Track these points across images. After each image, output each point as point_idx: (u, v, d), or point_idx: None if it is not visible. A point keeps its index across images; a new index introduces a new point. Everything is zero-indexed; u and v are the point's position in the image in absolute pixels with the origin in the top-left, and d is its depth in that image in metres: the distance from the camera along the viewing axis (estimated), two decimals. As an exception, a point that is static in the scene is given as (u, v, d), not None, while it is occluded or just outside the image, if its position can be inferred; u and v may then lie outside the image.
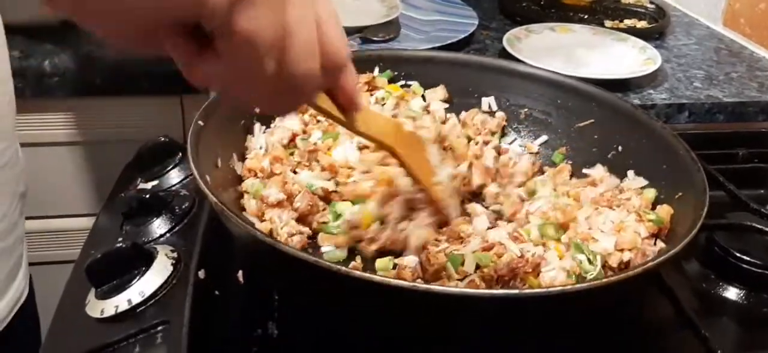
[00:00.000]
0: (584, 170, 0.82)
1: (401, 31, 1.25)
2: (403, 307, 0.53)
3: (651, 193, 0.74)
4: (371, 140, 0.66)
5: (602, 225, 0.70)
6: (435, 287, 0.53)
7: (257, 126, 0.81)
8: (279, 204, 0.70)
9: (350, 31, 1.19)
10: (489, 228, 0.72)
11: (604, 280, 0.56)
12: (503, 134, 0.89)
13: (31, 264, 0.93)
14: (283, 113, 0.76)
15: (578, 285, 0.57)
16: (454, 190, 0.75)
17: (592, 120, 0.84)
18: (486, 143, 0.86)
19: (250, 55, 0.41)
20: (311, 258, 0.51)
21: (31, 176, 0.93)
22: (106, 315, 0.66)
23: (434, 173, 0.73)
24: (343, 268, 0.51)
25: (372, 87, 0.89)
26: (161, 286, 0.68)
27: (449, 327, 0.55)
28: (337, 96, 0.53)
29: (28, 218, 0.92)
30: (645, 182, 0.76)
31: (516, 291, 0.57)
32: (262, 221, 0.71)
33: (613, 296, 0.58)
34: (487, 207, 0.79)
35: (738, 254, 0.75)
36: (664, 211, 0.70)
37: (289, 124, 0.82)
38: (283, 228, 0.69)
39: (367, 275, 0.51)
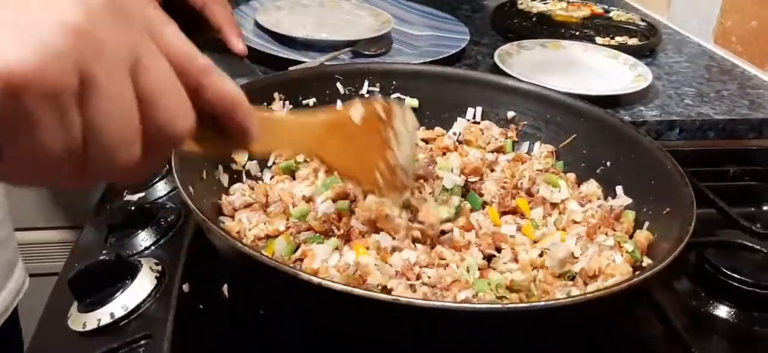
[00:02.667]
0: (581, 188, 0.82)
1: (393, 46, 1.25)
2: (386, 320, 0.52)
3: (631, 215, 0.75)
4: (282, 153, 0.63)
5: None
6: (417, 300, 0.52)
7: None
8: (249, 206, 0.70)
9: (342, 45, 1.19)
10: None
11: (590, 295, 0.56)
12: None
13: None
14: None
15: (563, 300, 0.56)
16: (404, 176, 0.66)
17: (575, 135, 0.84)
18: (496, 151, 0.86)
19: (36, 169, 0.33)
20: (291, 270, 0.51)
21: (16, 189, 0.92)
22: (88, 328, 0.65)
23: (386, 151, 0.64)
24: (325, 280, 0.50)
25: None
26: (144, 300, 0.67)
27: (433, 340, 0.55)
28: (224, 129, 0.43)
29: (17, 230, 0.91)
30: (629, 201, 0.76)
31: (499, 305, 0.57)
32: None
33: (600, 311, 0.58)
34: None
35: (728, 272, 0.74)
36: (643, 237, 0.71)
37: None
38: (251, 230, 0.68)
39: (348, 288, 0.50)
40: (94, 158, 0.34)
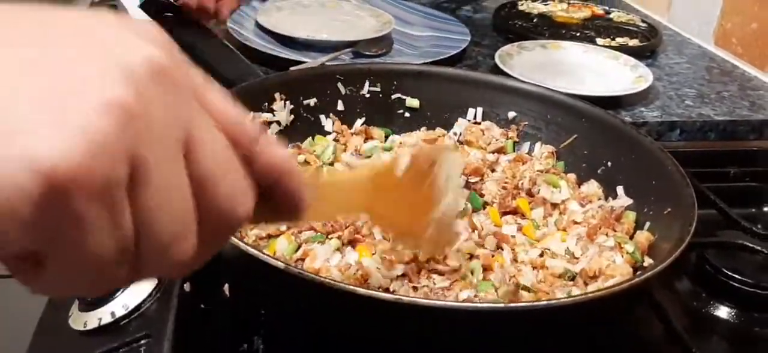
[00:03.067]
0: (582, 188, 0.82)
1: (394, 47, 1.25)
2: (389, 319, 0.52)
3: (631, 216, 0.75)
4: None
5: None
6: (420, 300, 0.52)
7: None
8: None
9: (342, 45, 1.19)
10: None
11: (592, 294, 0.56)
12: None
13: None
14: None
15: (565, 299, 0.56)
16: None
17: (576, 136, 0.84)
18: (497, 151, 0.86)
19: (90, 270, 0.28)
20: (295, 270, 0.51)
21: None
22: (89, 327, 0.65)
23: (435, 202, 0.57)
24: (328, 280, 0.50)
25: (368, 136, 0.88)
26: (145, 299, 0.67)
27: (435, 340, 0.55)
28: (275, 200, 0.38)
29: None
30: (630, 201, 0.76)
31: (501, 305, 0.56)
32: None
33: (601, 311, 0.58)
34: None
35: (729, 273, 0.75)
36: (644, 238, 0.71)
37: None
38: (252, 229, 0.68)
39: (351, 287, 0.50)
40: (146, 257, 0.29)
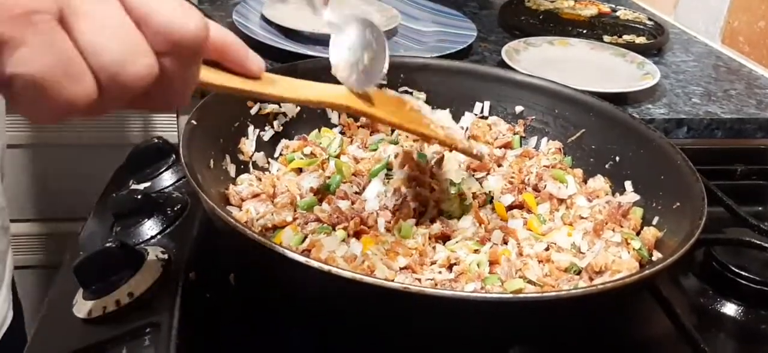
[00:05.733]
0: (589, 184, 0.81)
1: (400, 42, 1.24)
2: (396, 309, 0.52)
3: (638, 212, 0.74)
4: (321, 105, 0.63)
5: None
6: (429, 289, 0.52)
7: (251, 129, 0.80)
8: (256, 196, 0.70)
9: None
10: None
11: (599, 286, 0.55)
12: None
13: (20, 268, 0.92)
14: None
15: (576, 291, 0.56)
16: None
17: (584, 130, 0.84)
18: (504, 146, 0.86)
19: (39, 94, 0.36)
20: (302, 258, 0.50)
21: (21, 179, 0.92)
22: (93, 315, 0.64)
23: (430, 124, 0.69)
24: (336, 268, 0.50)
25: (373, 128, 0.88)
26: (150, 287, 0.66)
27: (442, 330, 0.54)
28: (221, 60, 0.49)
29: (18, 221, 0.91)
30: (637, 197, 0.76)
31: (510, 295, 0.56)
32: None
33: (608, 304, 0.57)
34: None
35: (736, 270, 0.74)
36: (651, 234, 0.70)
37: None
38: (259, 220, 0.68)
39: (358, 276, 0.50)
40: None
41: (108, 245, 0.67)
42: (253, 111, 0.81)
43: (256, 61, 0.52)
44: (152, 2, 0.39)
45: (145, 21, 0.38)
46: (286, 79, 0.57)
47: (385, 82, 0.89)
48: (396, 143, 0.84)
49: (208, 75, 0.48)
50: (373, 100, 0.64)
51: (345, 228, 0.68)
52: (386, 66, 0.63)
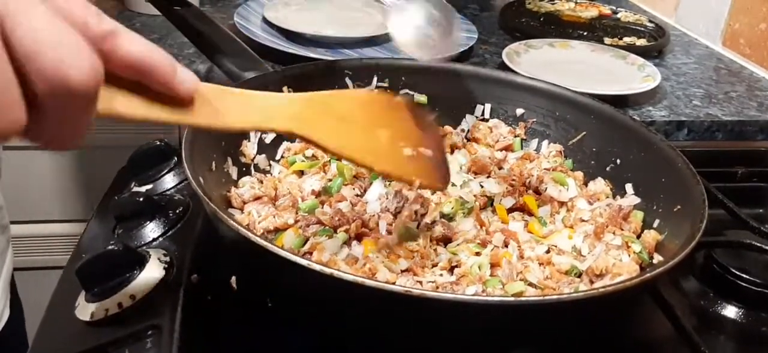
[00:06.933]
0: (589, 186, 0.81)
1: (401, 44, 1.24)
2: (398, 312, 0.52)
3: (639, 215, 0.74)
4: (256, 130, 0.59)
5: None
6: (430, 292, 0.52)
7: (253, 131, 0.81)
8: (258, 199, 0.70)
9: (350, 42, 1.19)
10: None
11: (600, 290, 0.55)
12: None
13: (21, 270, 0.92)
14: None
15: (577, 294, 0.56)
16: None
17: (585, 133, 0.84)
18: (504, 149, 0.86)
19: None
20: (304, 261, 0.50)
21: (24, 180, 0.92)
22: (95, 318, 0.65)
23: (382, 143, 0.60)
24: (337, 271, 0.50)
25: None
26: (152, 290, 0.67)
27: (443, 333, 0.54)
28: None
29: (19, 222, 0.91)
30: (637, 200, 0.76)
31: (511, 299, 0.56)
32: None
33: (609, 307, 0.57)
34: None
35: (737, 272, 0.74)
36: (651, 237, 0.70)
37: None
38: (260, 223, 0.68)
39: (360, 279, 0.50)
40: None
41: (110, 247, 0.67)
42: (254, 113, 0.81)
43: (185, 81, 0.44)
44: (37, 45, 0.35)
45: (29, 60, 0.35)
46: (226, 98, 0.49)
47: (386, 85, 0.89)
48: None
49: (115, 105, 0.41)
50: (321, 125, 0.56)
51: (346, 231, 0.69)
52: (459, 37, 0.61)
